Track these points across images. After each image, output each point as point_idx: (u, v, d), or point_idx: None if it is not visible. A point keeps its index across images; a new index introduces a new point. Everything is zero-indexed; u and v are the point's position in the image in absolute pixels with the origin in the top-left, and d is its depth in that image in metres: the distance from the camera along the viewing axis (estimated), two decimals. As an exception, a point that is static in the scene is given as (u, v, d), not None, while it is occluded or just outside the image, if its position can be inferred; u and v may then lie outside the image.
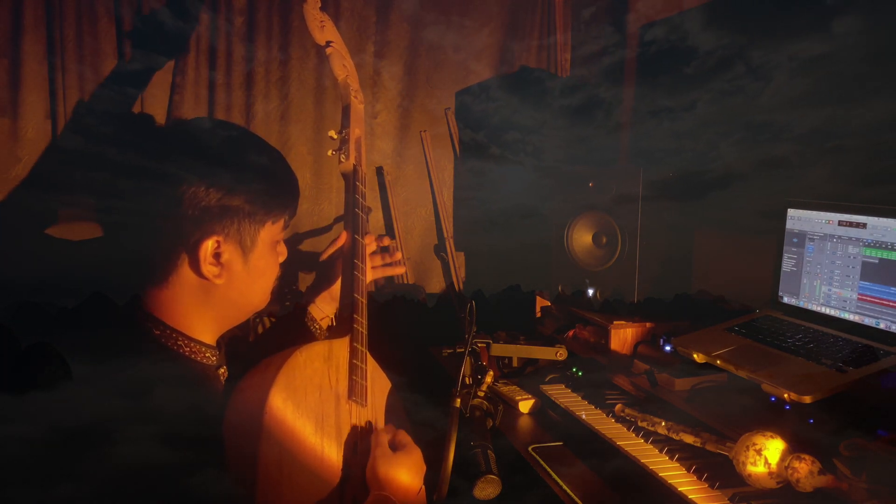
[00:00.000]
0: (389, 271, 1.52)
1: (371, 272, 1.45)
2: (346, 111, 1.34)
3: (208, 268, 1.09)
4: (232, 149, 1.18)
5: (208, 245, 1.08)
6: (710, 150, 1.96)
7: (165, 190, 1.07)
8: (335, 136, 1.30)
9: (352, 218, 1.27)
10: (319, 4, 1.33)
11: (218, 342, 1.19)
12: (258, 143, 1.23)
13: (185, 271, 1.10)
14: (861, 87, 1.65)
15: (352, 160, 1.29)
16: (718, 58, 2.00)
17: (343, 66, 1.35)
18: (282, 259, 1.23)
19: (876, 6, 1.63)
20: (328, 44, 1.33)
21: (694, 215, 1.99)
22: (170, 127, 1.65)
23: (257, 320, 1.74)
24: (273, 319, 1.64)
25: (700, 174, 1.95)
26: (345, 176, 1.31)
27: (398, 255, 1.53)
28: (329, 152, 1.31)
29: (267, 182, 1.15)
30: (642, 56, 2.29)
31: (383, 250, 1.53)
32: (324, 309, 1.44)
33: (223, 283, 1.11)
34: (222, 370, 1.19)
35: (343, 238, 1.43)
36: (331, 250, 1.47)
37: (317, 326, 1.43)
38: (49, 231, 1.84)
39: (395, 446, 1.10)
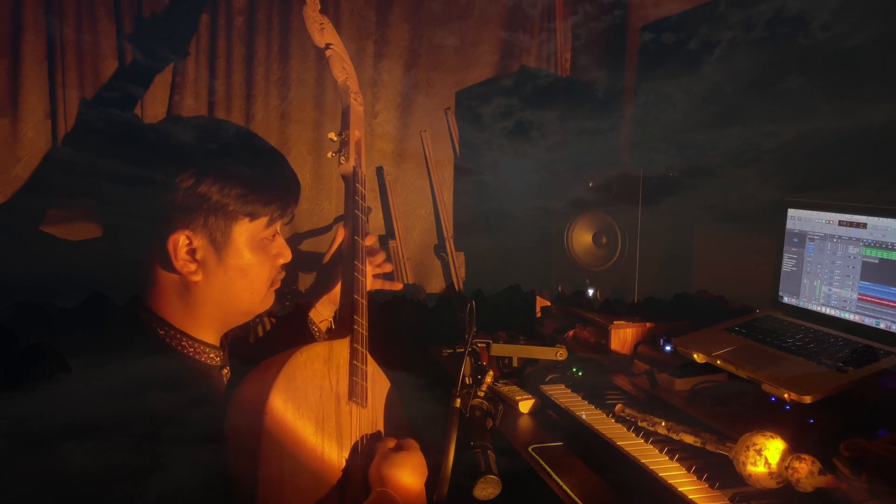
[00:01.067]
0: (388, 285, 1.50)
1: (371, 281, 1.44)
2: (345, 113, 1.34)
3: (182, 264, 1.07)
4: (204, 143, 1.15)
5: (178, 240, 1.06)
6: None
7: (145, 189, 1.07)
8: (335, 139, 1.30)
9: (352, 220, 1.26)
10: (319, 7, 1.33)
11: (221, 343, 1.19)
12: (245, 139, 1.21)
13: (161, 272, 1.10)
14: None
15: (351, 162, 1.29)
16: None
17: (343, 68, 1.35)
18: (282, 261, 1.20)
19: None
20: (328, 46, 1.33)
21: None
22: (153, 127, 1.62)
23: (257, 321, 1.74)
24: (273, 320, 1.63)
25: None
26: (344, 178, 1.31)
27: (386, 265, 1.48)
28: (329, 154, 1.31)
29: (242, 176, 1.10)
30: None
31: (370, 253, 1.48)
32: (322, 312, 1.44)
33: (201, 280, 1.09)
34: (226, 371, 1.19)
35: (341, 235, 1.42)
36: (332, 250, 1.47)
37: (316, 329, 1.43)
38: (50, 230, 1.84)
39: (398, 447, 1.10)
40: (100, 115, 1.96)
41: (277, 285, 1.22)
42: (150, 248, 1.09)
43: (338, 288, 1.39)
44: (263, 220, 1.14)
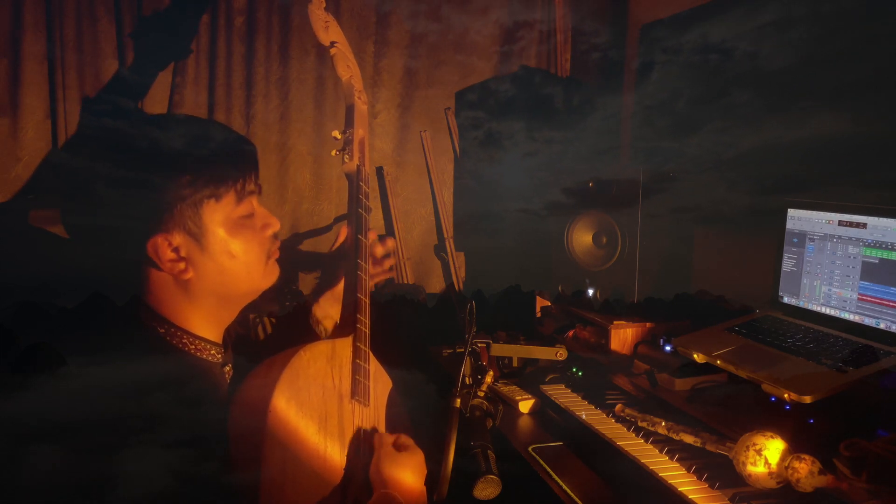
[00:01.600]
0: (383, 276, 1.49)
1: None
2: (349, 111, 1.33)
3: (169, 266, 1.07)
4: (136, 138, 1.14)
5: (156, 243, 1.06)
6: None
7: (134, 192, 1.07)
8: (339, 137, 1.30)
9: (355, 218, 1.26)
10: (324, 5, 1.32)
11: (224, 340, 1.19)
12: (182, 125, 1.20)
13: (154, 273, 1.10)
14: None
15: (355, 160, 1.28)
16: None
17: (347, 66, 1.34)
18: (271, 231, 1.17)
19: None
20: (332, 44, 1.32)
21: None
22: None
23: (257, 320, 1.74)
24: (273, 320, 1.63)
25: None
26: (348, 176, 1.30)
27: (388, 263, 1.47)
28: (332, 152, 1.31)
29: (183, 163, 1.08)
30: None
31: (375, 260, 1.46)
32: (327, 310, 1.43)
33: (193, 276, 1.09)
34: (228, 368, 1.19)
35: (344, 233, 1.41)
36: (336, 245, 1.47)
37: (322, 328, 1.43)
38: (50, 231, 1.84)
39: (398, 447, 1.10)
40: (93, 122, 1.96)
41: (276, 255, 1.20)
42: (141, 251, 1.09)
43: (341, 285, 1.39)
44: (230, 198, 1.11)
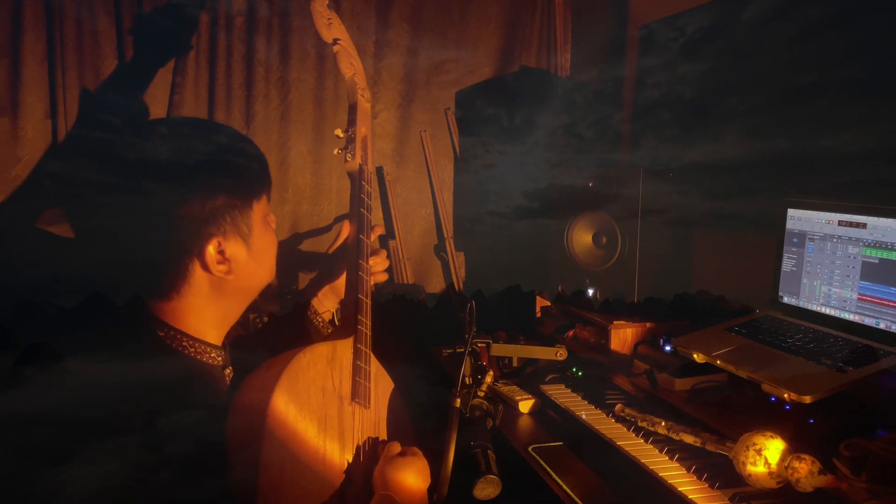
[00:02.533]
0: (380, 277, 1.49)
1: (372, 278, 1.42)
2: (352, 110, 1.32)
3: (217, 268, 1.10)
4: (194, 150, 1.17)
5: (210, 250, 1.09)
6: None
7: (155, 207, 1.08)
8: (341, 135, 1.29)
9: (357, 218, 1.26)
10: (327, 2, 1.32)
11: (224, 343, 1.19)
12: (216, 132, 1.23)
13: (198, 279, 1.10)
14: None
15: (358, 159, 1.28)
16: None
17: (350, 64, 1.34)
18: (274, 226, 1.24)
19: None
20: (335, 41, 1.32)
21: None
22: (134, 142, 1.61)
23: (257, 320, 1.74)
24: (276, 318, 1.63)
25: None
26: (350, 175, 1.30)
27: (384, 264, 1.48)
28: (335, 151, 1.30)
29: (239, 168, 1.14)
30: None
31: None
32: (325, 303, 1.44)
33: (233, 276, 1.12)
34: (228, 371, 1.18)
35: (346, 230, 1.41)
36: (337, 244, 1.47)
37: (319, 319, 1.42)
38: (50, 231, 1.84)
39: (402, 453, 1.10)
40: (89, 134, 1.96)
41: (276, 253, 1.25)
42: (172, 265, 1.09)
43: (341, 279, 1.39)
44: (265, 197, 1.18)
